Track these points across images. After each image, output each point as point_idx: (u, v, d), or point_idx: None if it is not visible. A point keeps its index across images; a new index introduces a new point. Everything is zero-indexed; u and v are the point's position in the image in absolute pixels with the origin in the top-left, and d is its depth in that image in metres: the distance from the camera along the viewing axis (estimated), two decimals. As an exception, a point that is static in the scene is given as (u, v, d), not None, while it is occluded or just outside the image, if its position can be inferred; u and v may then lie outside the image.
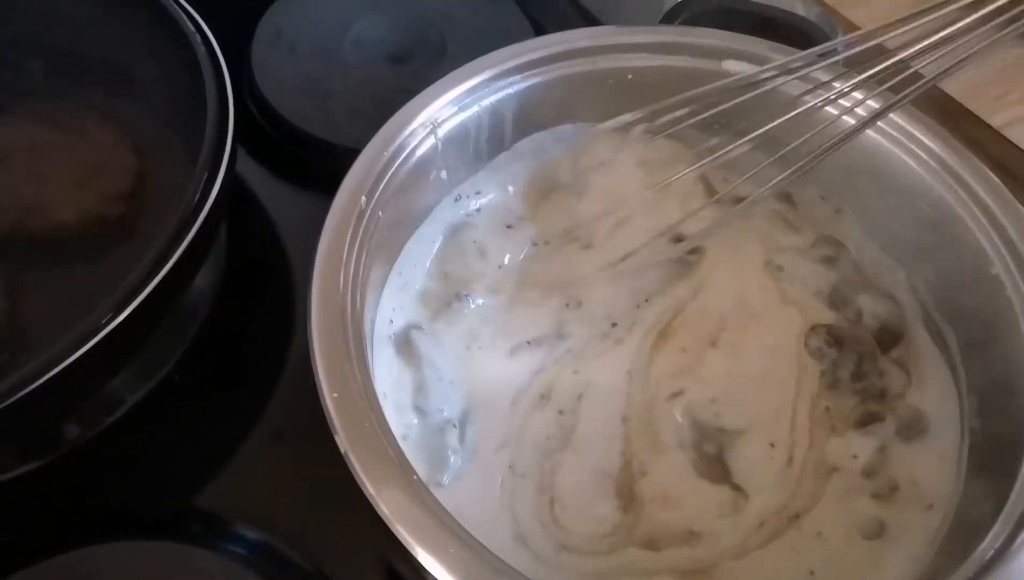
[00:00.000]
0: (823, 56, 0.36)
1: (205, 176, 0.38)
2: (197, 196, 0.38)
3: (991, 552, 0.29)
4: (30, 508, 0.40)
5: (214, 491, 0.40)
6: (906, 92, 0.34)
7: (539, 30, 0.56)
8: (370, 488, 0.27)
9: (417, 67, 0.54)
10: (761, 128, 0.35)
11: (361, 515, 0.37)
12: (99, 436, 0.41)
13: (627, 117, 0.38)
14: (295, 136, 0.51)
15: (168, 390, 0.43)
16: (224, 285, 0.46)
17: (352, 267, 0.32)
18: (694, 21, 0.42)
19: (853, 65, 0.36)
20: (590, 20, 0.58)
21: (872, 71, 0.34)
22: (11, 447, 0.41)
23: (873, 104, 0.36)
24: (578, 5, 0.59)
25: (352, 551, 0.39)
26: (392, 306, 0.38)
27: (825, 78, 0.37)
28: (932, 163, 0.37)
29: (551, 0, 0.59)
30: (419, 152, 0.36)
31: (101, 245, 0.43)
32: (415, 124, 0.35)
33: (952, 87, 0.49)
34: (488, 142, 0.39)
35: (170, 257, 0.36)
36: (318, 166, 0.51)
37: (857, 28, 0.52)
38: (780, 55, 0.37)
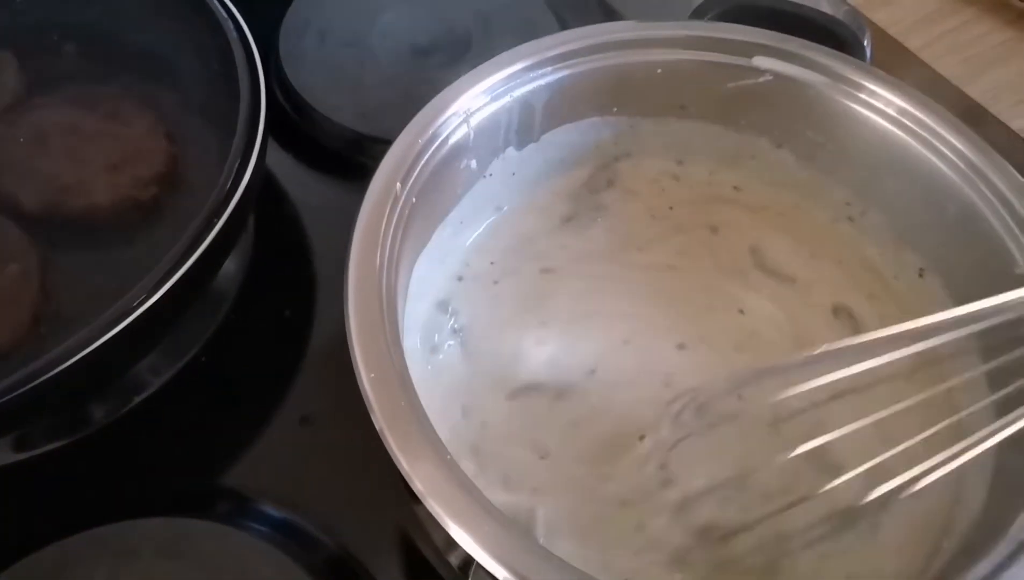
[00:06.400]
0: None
1: (238, 161, 0.39)
2: (230, 181, 0.38)
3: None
4: (58, 485, 0.41)
5: (241, 471, 0.41)
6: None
7: (564, 25, 0.56)
8: (405, 465, 0.27)
9: (443, 59, 0.55)
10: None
11: (385, 496, 0.38)
12: (127, 415, 0.42)
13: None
14: (322, 125, 0.52)
15: (195, 372, 0.43)
16: (251, 271, 0.47)
17: (387, 252, 0.32)
18: (722, 18, 0.42)
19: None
20: (615, 17, 0.59)
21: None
22: (39, 424, 0.41)
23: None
24: (604, 3, 0.59)
25: (375, 531, 0.39)
26: (418, 293, 0.39)
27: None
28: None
29: (577, -5, 0.60)
30: (452, 140, 0.36)
31: (133, 228, 0.44)
32: (449, 112, 0.36)
33: (975, 90, 0.49)
34: (517, 133, 0.40)
35: (203, 240, 0.37)
36: (343, 155, 0.52)
37: (882, 30, 0.53)
38: (810, 52, 0.38)
